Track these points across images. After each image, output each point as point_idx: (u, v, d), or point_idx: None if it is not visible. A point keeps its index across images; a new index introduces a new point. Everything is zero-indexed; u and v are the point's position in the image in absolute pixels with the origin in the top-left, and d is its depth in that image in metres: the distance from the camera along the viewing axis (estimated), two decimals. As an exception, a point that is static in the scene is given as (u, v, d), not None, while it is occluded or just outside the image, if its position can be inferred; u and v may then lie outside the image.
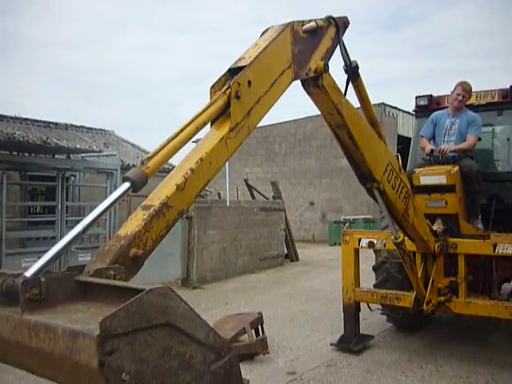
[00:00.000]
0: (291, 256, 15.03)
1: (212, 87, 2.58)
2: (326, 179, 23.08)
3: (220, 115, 2.48)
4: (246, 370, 5.40)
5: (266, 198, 15.57)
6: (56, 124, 18.86)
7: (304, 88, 3.33)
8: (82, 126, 19.96)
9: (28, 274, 1.78)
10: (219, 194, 14.82)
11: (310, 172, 23.53)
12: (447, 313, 5.96)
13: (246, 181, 16.31)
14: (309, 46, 3.09)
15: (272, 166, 24.70)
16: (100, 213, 2.03)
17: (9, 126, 16.37)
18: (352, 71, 3.72)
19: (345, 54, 3.59)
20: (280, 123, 24.48)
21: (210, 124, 2.50)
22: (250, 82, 2.54)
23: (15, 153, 10.03)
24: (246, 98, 2.52)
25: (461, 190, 5.72)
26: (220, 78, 2.62)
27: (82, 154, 11.83)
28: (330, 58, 3.31)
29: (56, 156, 10.56)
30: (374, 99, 4.37)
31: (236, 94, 2.44)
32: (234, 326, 5.79)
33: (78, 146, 14.75)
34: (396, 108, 22.48)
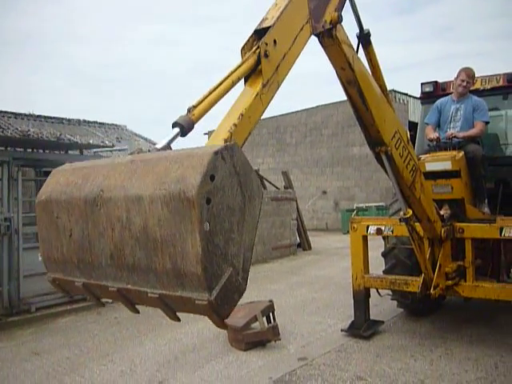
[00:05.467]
0: (304, 245, 15.12)
1: (242, 49, 2.77)
2: (337, 168, 23.08)
3: (251, 73, 2.69)
4: (258, 357, 5.54)
5: (277, 188, 15.64)
6: (69, 120, 19.09)
7: (319, 41, 3.45)
8: (94, 122, 20.17)
9: (159, 146, 2.23)
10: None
11: (322, 161, 23.54)
12: (456, 297, 6.04)
13: (256, 171, 16.35)
14: (323, 0, 3.24)
15: (284, 156, 24.75)
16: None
17: (23, 123, 16.62)
18: (363, 36, 3.94)
19: (355, 7, 3.79)
20: (291, 113, 24.51)
21: (243, 81, 2.71)
22: (275, 41, 2.74)
23: (30, 150, 10.23)
24: (273, 56, 2.72)
25: (466, 175, 5.76)
26: (248, 40, 2.80)
27: (95, 149, 12.00)
28: (342, 9, 3.43)
29: (69, 152, 10.73)
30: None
31: (265, 54, 2.65)
32: (246, 314, 5.90)
33: (91, 142, 14.92)
34: (406, 94, 22.36)
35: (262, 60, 2.63)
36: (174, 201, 1.77)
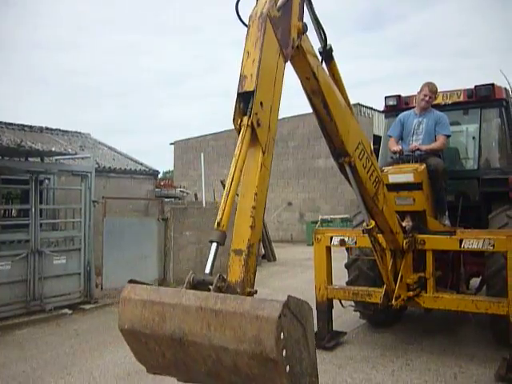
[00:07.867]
0: (268, 256, 15.12)
1: (233, 119, 2.76)
2: (303, 180, 23.23)
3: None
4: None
5: (243, 199, 15.62)
6: (31, 127, 18.61)
7: None
8: (57, 129, 19.72)
9: (207, 270, 2.53)
10: (196, 196, 14.83)
11: (288, 172, 23.65)
12: (418, 308, 6.12)
13: (222, 182, 16.37)
14: (286, 19, 3.09)
15: (250, 167, 24.72)
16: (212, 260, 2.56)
17: (-18, 129, 16.15)
18: (326, 51, 3.94)
19: (319, 21, 3.75)
20: (257, 124, 24.54)
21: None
22: (261, 103, 2.76)
23: (-12, 156, 9.94)
24: (264, 119, 2.78)
25: (428, 187, 5.86)
26: (235, 107, 2.78)
27: (57, 157, 11.73)
28: (303, 17, 3.32)
29: (29, 159, 10.46)
30: (351, 100, 4.48)
31: (258, 123, 2.71)
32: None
33: (53, 149, 14.57)
34: (371, 108, 22.71)
35: (257, 131, 2.70)
36: (258, 358, 2.14)
